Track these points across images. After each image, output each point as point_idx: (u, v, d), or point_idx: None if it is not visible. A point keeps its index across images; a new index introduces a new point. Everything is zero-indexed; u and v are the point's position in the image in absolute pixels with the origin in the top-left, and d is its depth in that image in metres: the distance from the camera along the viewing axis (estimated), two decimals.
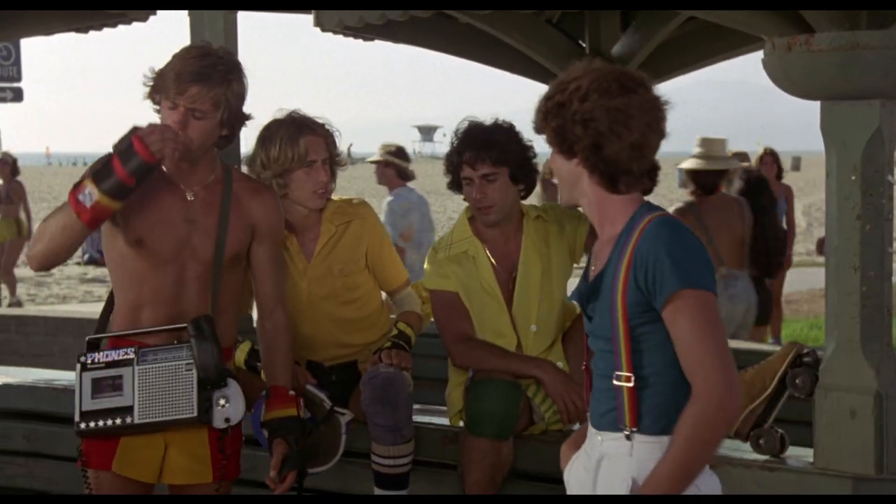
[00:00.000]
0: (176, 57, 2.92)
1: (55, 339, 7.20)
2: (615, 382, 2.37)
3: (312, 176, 3.54)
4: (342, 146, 3.73)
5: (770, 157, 9.09)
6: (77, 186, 2.81)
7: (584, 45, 5.41)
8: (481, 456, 3.38)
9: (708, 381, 2.24)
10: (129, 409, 2.85)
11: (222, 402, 2.90)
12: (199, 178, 2.98)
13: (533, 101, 2.50)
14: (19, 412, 4.19)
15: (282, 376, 3.08)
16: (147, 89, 2.95)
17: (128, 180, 2.78)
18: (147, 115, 3.00)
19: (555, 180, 2.74)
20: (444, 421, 3.70)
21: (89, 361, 2.89)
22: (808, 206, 26.18)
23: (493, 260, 3.58)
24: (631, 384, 2.34)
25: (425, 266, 3.70)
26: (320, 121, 3.62)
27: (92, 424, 2.86)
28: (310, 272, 3.63)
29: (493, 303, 3.56)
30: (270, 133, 3.56)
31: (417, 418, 3.65)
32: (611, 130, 2.34)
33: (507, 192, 3.52)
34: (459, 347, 3.54)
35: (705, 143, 6.22)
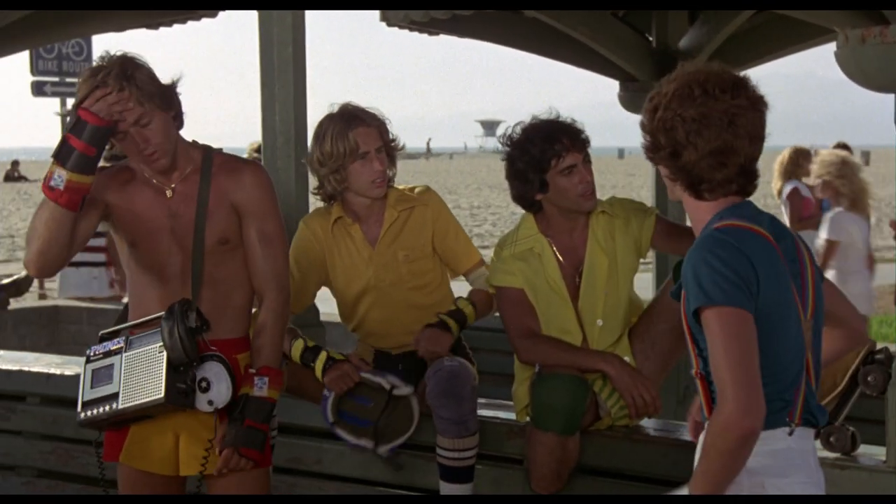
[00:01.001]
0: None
1: None
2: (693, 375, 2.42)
3: (368, 167, 3.57)
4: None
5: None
6: (46, 177, 2.86)
7: (650, 38, 5.38)
8: (547, 451, 3.37)
9: (721, 399, 2.26)
10: (115, 396, 2.89)
11: (203, 384, 2.89)
12: (178, 173, 3.01)
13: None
14: None
15: (257, 356, 3.00)
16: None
17: (87, 150, 2.83)
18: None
19: None
20: (510, 415, 3.70)
21: (91, 354, 2.96)
22: (878, 202, 25.72)
23: (559, 256, 3.57)
24: (699, 379, 2.38)
25: (491, 261, 3.70)
26: (371, 110, 3.63)
27: (90, 413, 2.91)
28: (375, 259, 3.66)
29: (558, 300, 3.55)
30: (322, 129, 3.61)
31: (483, 412, 3.66)
32: (687, 140, 2.35)
33: None
34: (525, 343, 3.54)
35: None
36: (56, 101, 12.87)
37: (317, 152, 3.60)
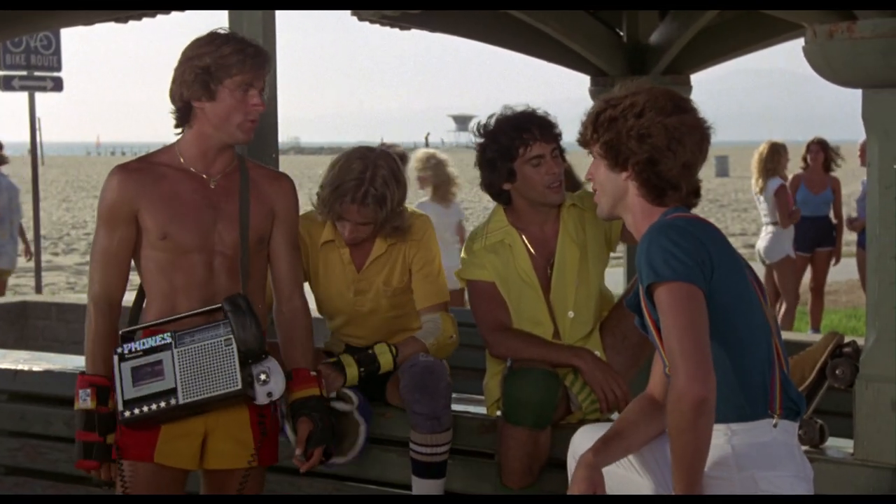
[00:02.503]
0: (222, 45, 2.91)
1: None
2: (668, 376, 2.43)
3: (343, 227, 3.56)
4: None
5: (817, 146, 8.95)
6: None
7: (621, 33, 5.40)
8: (519, 445, 3.38)
9: (673, 372, 2.31)
10: (172, 391, 2.87)
11: (263, 377, 2.92)
12: (221, 166, 3.02)
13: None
14: (60, 398, 4.23)
15: (302, 359, 3.08)
16: (195, 82, 2.92)
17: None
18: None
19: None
20: (482, 410, 3.70)
21: (126, 352, 2.91)
22: (847, 197, 25.86)
23: (530, 248, 3.58)
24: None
25: (462, 256, 3.69)
26: (380, 182, 3.47)
27: (136, 411, 2.88)
28: (356, 285, 3.65)
29: (530, 291, 3.56)
30: (334, 169, 3.54)
31: (455, 407, 3.65)
32: (668, 147, 2.43)
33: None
34: (496, 337, 3.54)
35: None
36: (24, 95, 12.72)
37: (325, 178, 3.56)
